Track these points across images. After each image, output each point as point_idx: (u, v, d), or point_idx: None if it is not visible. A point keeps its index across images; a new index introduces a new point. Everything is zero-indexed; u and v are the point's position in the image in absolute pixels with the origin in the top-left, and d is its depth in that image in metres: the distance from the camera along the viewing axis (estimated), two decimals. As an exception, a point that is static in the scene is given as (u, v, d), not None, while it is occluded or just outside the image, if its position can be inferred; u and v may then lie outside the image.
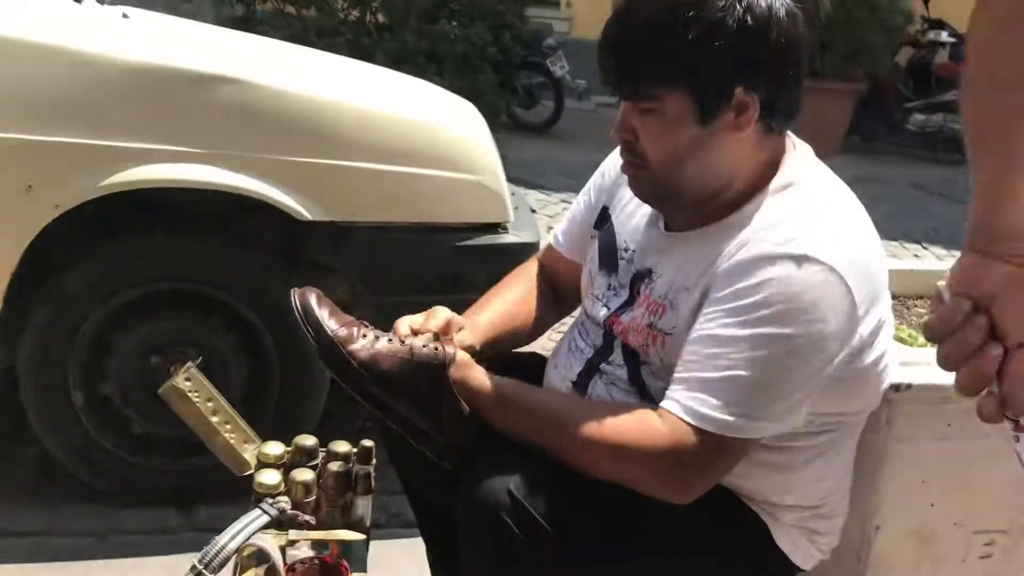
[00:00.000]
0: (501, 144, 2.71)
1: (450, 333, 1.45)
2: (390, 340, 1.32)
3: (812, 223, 1.24)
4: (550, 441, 1.29)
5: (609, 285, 1.47)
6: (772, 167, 1.32)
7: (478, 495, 1.24)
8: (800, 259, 1.20)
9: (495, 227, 2.34)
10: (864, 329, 1.25)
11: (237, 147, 2.10)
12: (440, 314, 1.46)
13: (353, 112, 2.21)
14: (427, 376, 1.29)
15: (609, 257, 1.48)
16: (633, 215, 1.47)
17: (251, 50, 2.64)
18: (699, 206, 1.34)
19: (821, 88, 8.26)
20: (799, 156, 1.35)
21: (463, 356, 1.34)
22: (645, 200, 1.39)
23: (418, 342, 1.32)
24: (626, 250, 1.46)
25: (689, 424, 1.20)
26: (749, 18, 1.22)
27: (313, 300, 1.33)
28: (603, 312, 1.46)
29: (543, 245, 1.76)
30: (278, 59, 2.60)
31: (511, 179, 2.75)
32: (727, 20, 1.21)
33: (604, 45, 1.28)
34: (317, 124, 2.16)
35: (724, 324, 1.21)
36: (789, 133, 1.37)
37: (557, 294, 1.68)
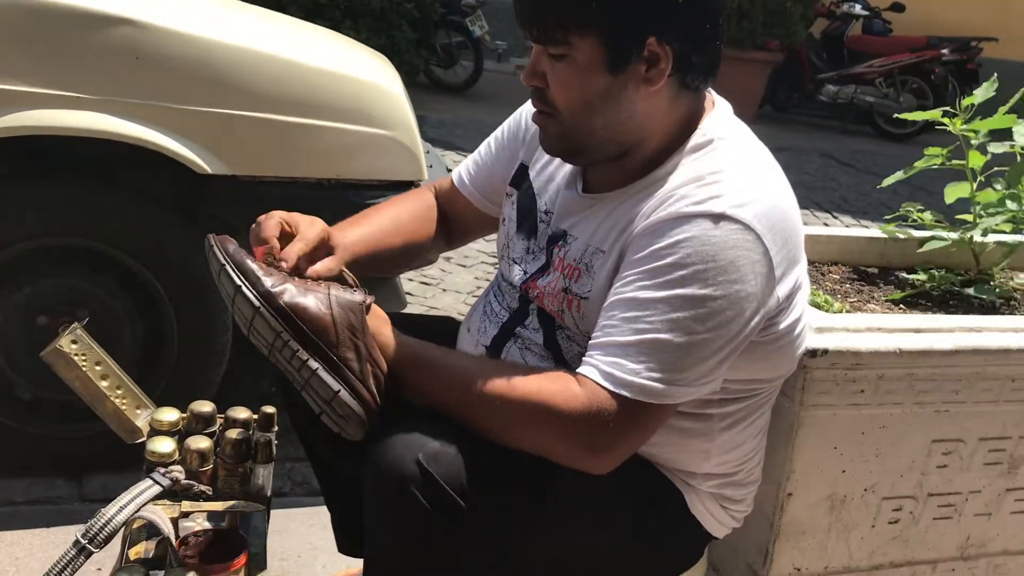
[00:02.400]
0: (418, 104, 2.63)
1: (319, 250, 1.35)
2: (306, 283, 1.24)
3: (729, 182, 1.20)
4: (461, 405, 1.22)
5: (528, 249, 1.42)
6: (690, 125, 1.28)
7: (384, 466, 1.18)
8: (717, 218, 1.16)
9: (408, 185, 2.25)
10: (781, 291, 1.22)
11: (131, 93, 1.97)
12: (316, 228, 1.36)
13: (259, 59, 2.09)
14: (344, 318, 1.21)
15: (528, 220, 1.44)
16: (553, 177, 1.42)
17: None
18: (613, 164, 1.30)
19: (737, 57, 8.37)
20: (718, 114, 1.31)
21: (378, 310, 1.27)
22: (554, 153, 1.35)
23: (335, 287, 1.25)
24: (546, 213, 1.41)
25: (607, 390, 1.16)
26: None
27: (230, 241, 1.25)
28: (519, 276, 1.42)
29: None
30: (178, 1, 2.45)
31: (428, 140, 2.68)
32: None
33: None
34: (219, 71, 2.04)
35: (641, 287, 1.17)
36: (710, 90, 1.33)
37: (447, 227, 1.63)
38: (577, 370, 1.20)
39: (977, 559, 1.77)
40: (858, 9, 9.51)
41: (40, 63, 1.93)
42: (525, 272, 1.41)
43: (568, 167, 1.40)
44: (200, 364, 2.19)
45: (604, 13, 1.17)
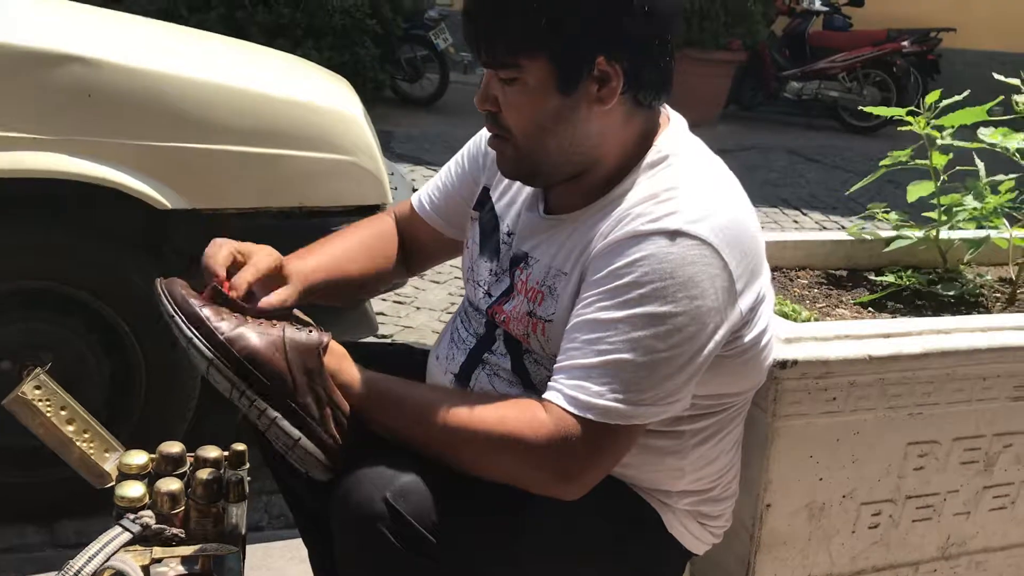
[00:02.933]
0: (386, 119, 2.61)
1: (271, 278, 1.32)
2: (260, 323, 1.22)
3: (684, 198, 1.19)
4: (428, 439, 1.20)
5: (491, 271, 1.42)
6: (645, 142, 1.28)
7: (352, 505, 1.16)
8: (673, 235, 1.16)
9: (373, 209, 2.23)
10: (744, 304, 1.22)
11: (87, 132, 1.94)
12: (268, 258, 1.32)
13: (215, 91, 2.07)
14: (300, 363, 1.19)
15: (491, 242, 1.43)
16: (515, 199, 1.42)
17: (101, 26, 2.44)
18: (572, 185, 1.29)
19: (701, 58, 8.41)
20: (672, 130, 1.31)
21: (336, 347, 1.25)
22: (511, 177, 1.35)
23: (290, 328, 1.23)
24: (508, 235, 1.40)
25: (573, 414, 1.15)
26: None
27: (179, 286, 1.22)
28: (485, 300, 1.41)
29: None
30: (131, 35, 2.42)
31: (396, 155, 2.67)
32: None
33: (465, 11, 1.23)
34: (175, 105, 2.01)
35: (601, 307, 1.17)
36: (665, 106, 1.33)
37: (408, 253, 1.61)
38: (542, 396, 1.19)
39: (958, 558, 1.77)
40: (818, 5, 9.59)
41: (-8, 105, 1.91)
42: (490, 295, 1.40)
43: (529, 189, 1.39)
44: (170, 402, 2.15)
45: (552, 35, 1.17)
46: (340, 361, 1.24)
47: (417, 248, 1.62)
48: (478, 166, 1.52)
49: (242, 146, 2.05)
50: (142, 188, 1.96)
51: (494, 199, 1.46)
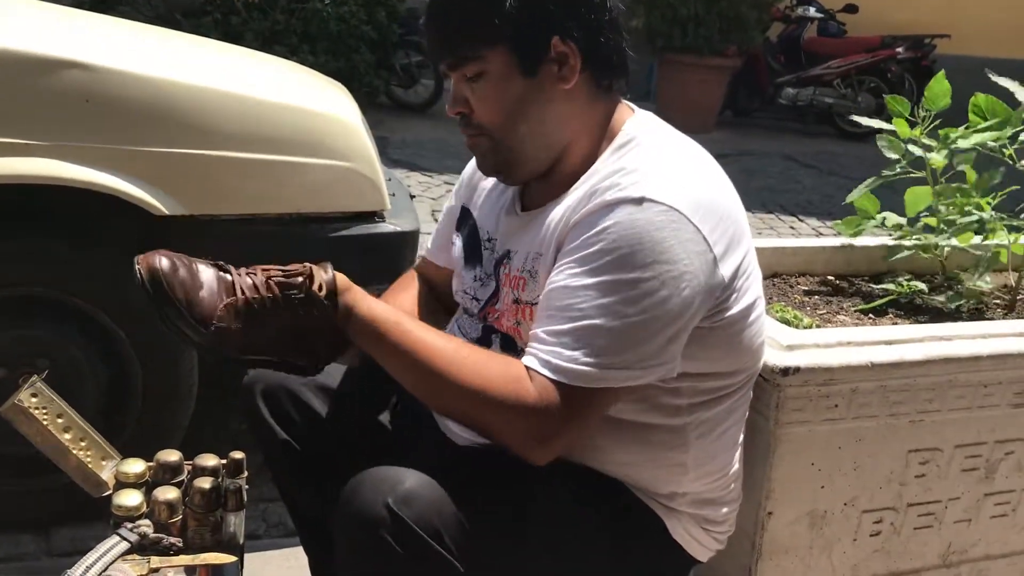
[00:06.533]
0: (381, 125, 2.60)
1: None
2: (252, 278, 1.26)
3: (651, 169, 1.24)
4: (417, 384, 1.24)
5: (475, 277, 1.45)
6: (611, 129, 1.34)
7: (354, 511, 1.16)
8: (640, 201, 1.19)
9: (371, 216, 2.24)
10: (725, 271, 1.23)
11: (82, 137, 1.92)
12: None
13: (212, 97, 2.06)
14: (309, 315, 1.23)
15: (473, 251, 1.47)
16: (494, 208, 1.46)
17: (97, 31, 2.44)
18: (546, 180, 1.34)
19: (696, 64, 8.42)
20: (639, 117, 1.36)
21: (343, 280, 1.26)
22: (490, 173, 1.39)
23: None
24: (489, 240, 1.44)
25: (547, 378, 1.17)
26: None
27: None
28: (474, 305, 1.44)
29: (422, 239, 1.72)
30: (128, 41, 2.41)
31: (392, 161, 2.65)
32: None
33: (427, 20, 1.31)
34: (171, 111, 2.00)
35: (572, 274, 1.20)
36: (633, 107, 1.38)
37: (440, 300, 1.64)
38: (521, 360, 1.21)
39: (960, 565, 1.77)
40: (812, 12, 9.61)
41: (-13, 111, 1.89)
42: (478, 300, 1.43)
43: (507, 196, 1.44)
44: (167, 408, 2.14)
45: (506, 23, 1.25)
46: (346, 295, 1.25)
47: (439, 291, 1.64)
48: (459, 196, 1.58)
49: (240, 152, 2.05)
50: (139, 194, 1.95)
51: (475, 215, 1.50)
